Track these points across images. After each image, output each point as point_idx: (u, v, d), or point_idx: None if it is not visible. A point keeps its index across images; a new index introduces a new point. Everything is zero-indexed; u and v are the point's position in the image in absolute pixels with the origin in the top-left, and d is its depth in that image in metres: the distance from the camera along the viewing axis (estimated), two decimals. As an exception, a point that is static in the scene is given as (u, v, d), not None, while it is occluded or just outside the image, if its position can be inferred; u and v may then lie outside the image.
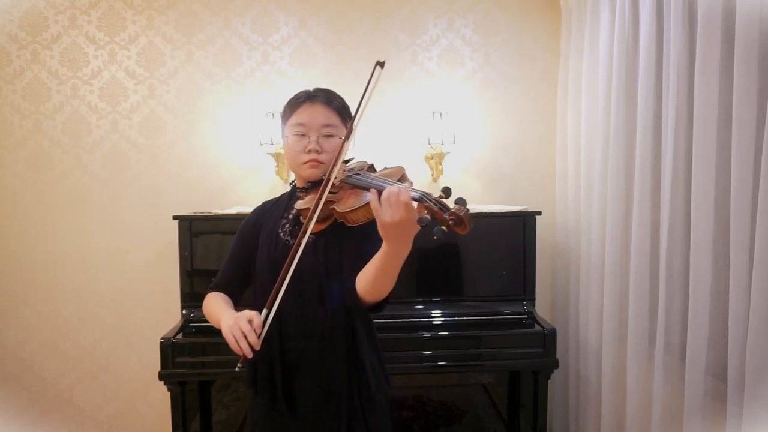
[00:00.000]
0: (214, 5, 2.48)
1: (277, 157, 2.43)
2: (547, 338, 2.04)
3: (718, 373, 1.52)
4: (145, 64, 2.48)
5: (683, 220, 1.63)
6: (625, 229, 1.93)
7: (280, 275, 1.15)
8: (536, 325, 2.10)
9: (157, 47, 2.48)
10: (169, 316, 2.39)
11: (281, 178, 2.48)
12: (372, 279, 1.13)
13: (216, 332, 2.05)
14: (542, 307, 2.54)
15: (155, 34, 2.47)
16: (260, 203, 1.46)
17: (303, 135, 1.27)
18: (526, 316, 2.18)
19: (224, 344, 2.08)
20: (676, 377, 1.67)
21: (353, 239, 1.23)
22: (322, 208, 1.17)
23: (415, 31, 2.53)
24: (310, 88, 1.35)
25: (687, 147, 1.58)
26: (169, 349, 1.97)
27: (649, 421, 1.74)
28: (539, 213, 2.24)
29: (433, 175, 2.51)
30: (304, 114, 1.28)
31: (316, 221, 1.18)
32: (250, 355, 1.10)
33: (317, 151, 1.26)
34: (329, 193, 1.18)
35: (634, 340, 1.83)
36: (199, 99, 2.50)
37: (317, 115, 1.28)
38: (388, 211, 1.02)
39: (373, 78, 1.17)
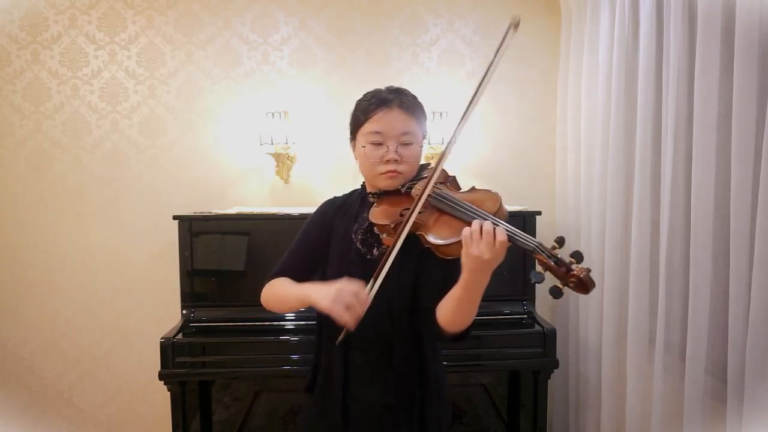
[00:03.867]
0: (214, 5, 2.48)
1: (277, 157, 2.43)
2: (547, 338, 2.04)
3: (718, 373, 1.52)
4: (145, 64, 2.48)
5: (683, 220, 1.63)
6: (625, 229, 1.93)
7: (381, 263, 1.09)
8: (536, 325, 2.10)
9: (157, 47, 2.48)
10: (169, 316, 2.39)
11: (281, 178, 2.48)
12: (453, 310, 1.08)
13: (216, 332, 2.08)
14: (542, 307, 2.54)
15: (155, 34, 2.47)
16: (331, 198, 1.38)
17: (380, 144, 1.19)
18: (526, 316, 2.18)
19: (224, 344, 2.09)
20: (676, 377, 1.67)
21: (430, 264, 1.16)
22: (406, 224, 1.08)
23: (415, 31, 2.53)
24: (381, 88, 1.25)
25: (687, 147, 1.58)
26: (169, 349, 1.97)
27: (649, 421, 1.74)
28: (539, 213, 2.24)
29: (433, 175, 2.50)
30: (381, 121, 1.19)
31: (391, 236, 1.11)
32: (353, 328, 1.05)
33: (396, 160, 1.18)
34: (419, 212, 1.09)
35: (634, 340, 1.83)
36: (199, 99, 2.50)
37: (395, 122, 1.18)
38: (480, 247, 0.96)
39: (504, 43, 1.04)
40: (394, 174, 1.19)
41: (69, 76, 2.46)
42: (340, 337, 1.09)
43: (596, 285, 1.80)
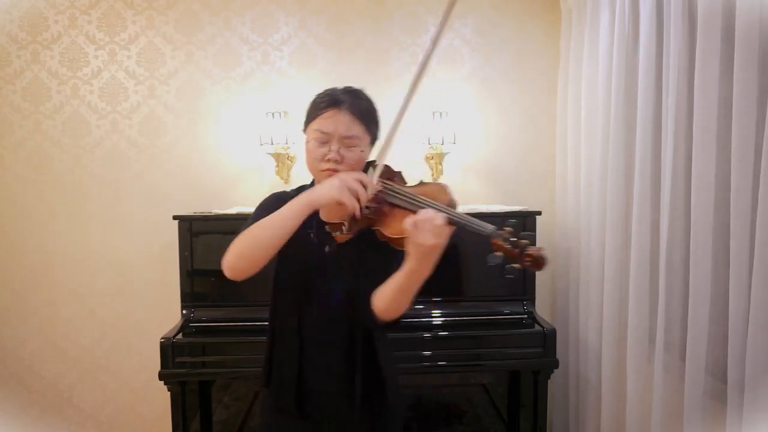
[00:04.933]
0: (214, 5, 2.48)
1: (277, 157, 2.43)
2: (547, 338, 2.04)
3: (718, 373, 1.51)
4: (145, 64, 2.48)
5: (683, 220, 1.63)
6: (625, 229, 1.93)
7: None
8: (536, 325, 2.10)
9: (157, 47, 2.48)
10: (169, 316, 2.39)
11: (281, 178, 2.48)
12: (391, 298, 1.13)
13: (216, 332, 2.08)
14: (542, 307, 2.54)
15: (155, 34, 2.47)
16: (277, 191, 1.38)
17: (324, 143, 1.21)
18: (526, 316, 2.18)
19: (224, 344, 2.09)
20: (676, 377, 1.67)
21: (378, 258, 1.20)
22: (360, 221, 1.14)
23: (415, 31, 2.53)
24: (339, 87, 1.28)
25: (687, 147, 1.58)
26: (169, 349, 1.97)
27: (649, 421, 1.74)
28: (539, 213, 2.24)
29: (433, 175, 2.50)
30: (328, 121, 1.21)
31: (345, 233, 1.15)
32: (359, 214, 1.09)
33: (337, 161, 1.20)
34: (366, 207, 1.14)
35: (634, 340, 1.83)
36: (199, 99, 2.50)
37: (341, 124, 1.21)
38: (422, 234, 1.02)
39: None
40: (333, 173, 1.21)
41: (69, 76, 2.47)
42: (345, 225, 1.11)
43: (597, 284, 1.79)
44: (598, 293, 2.08)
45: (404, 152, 2.50)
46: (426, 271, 1.07)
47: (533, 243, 1.03)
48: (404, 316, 1.19)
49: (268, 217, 1.16)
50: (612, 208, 1.95)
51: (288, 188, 2.59)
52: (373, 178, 1.15)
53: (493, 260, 1.03)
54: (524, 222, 2.21)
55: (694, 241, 1.49)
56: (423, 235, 1.02)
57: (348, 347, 1.25)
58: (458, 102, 2.53)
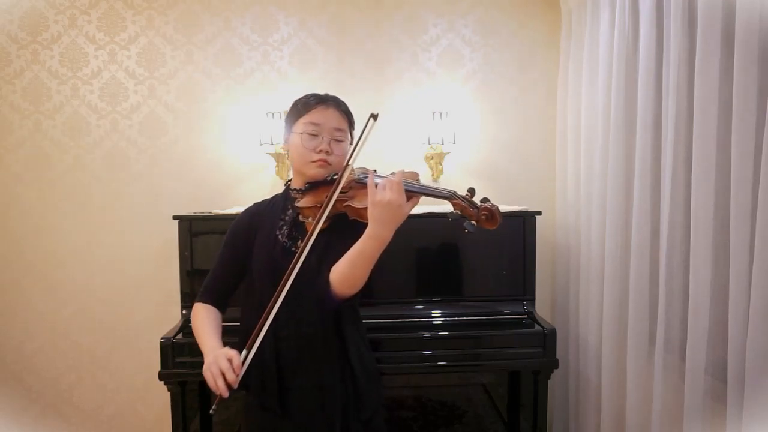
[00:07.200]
0: (214, 5, 2.48)
1: (277, 157, 2.43)
2: (547, 338, 2.04)
3: (718, 373, 1.52)
4: (145, 64, 2.48)
5: (683, 220, 1.63)
6: (625, 229, 1.93)
7: (268, 307, 1.17)
8: (536, 325, 2.10)
9: (157, 47, 2.48)
10: (169, 316, 2.39)
11: (281, 178, 2.48)
12: (349, 266, 1.16)
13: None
14: (542, 307, 2.54)
15: (155, 34, 2.48)
16: (250, 206, 1.46)
17: (315, 135, 1.31)
18: (526, 316, 2.18)
19: (224, 344, 2.08)
20: (676, 377, 1.67)
21: (347, 245, 1.22)
22: (331, 208, 1.19)
23: (415, 31, 2.53)
24: (320, 93, 1.39)
25: (687, 147, 1.58)
26: (169, 349, 1.97)
27: (649, 421, 1.74)
28: (539, 213, 2.24)
29: (433, 175, 2.51)
30: (319, 115, 1.32)
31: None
32: (226, 395, 1.12)
33: (327, 152, 1.29)
34: (340, 193, 1.21)
35: (634, 340, 1.83)
36: (199, 99, 2.50)
37: (331, 118, 1.32)
38: (380, 192, 1.11)
39: (366, 129, 1.20)
40: (324, 163, 1.30)
41: (69, 76, 2.47)
42: (214, 406, 1.15)
43: (597, 284, 1.80)
44: (598, 293, 2.08)
45: (404, 152, 2.51)
46: (386, 234, 1.12)
47: (487, 202, 1.13)
48: (356, 296, 1.23)
49: (198, 327, 1.31)
50: (612, 208, 1.95)
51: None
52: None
53: (452, 216, 1.13)
54: (524, 220, 2.21)
55: (694, 241, 1.49)
56: (381, 192, 1.10)
57: (319, 342, 1.28)
58: (458, 102, 2.53)
